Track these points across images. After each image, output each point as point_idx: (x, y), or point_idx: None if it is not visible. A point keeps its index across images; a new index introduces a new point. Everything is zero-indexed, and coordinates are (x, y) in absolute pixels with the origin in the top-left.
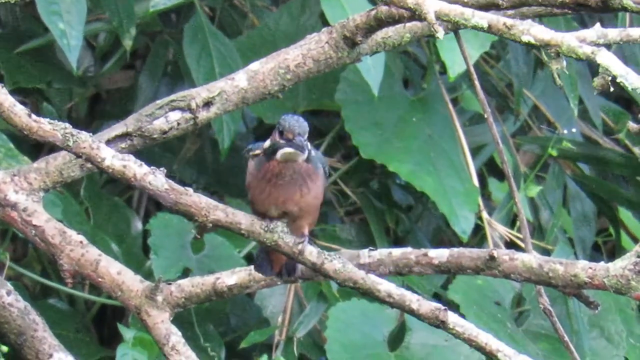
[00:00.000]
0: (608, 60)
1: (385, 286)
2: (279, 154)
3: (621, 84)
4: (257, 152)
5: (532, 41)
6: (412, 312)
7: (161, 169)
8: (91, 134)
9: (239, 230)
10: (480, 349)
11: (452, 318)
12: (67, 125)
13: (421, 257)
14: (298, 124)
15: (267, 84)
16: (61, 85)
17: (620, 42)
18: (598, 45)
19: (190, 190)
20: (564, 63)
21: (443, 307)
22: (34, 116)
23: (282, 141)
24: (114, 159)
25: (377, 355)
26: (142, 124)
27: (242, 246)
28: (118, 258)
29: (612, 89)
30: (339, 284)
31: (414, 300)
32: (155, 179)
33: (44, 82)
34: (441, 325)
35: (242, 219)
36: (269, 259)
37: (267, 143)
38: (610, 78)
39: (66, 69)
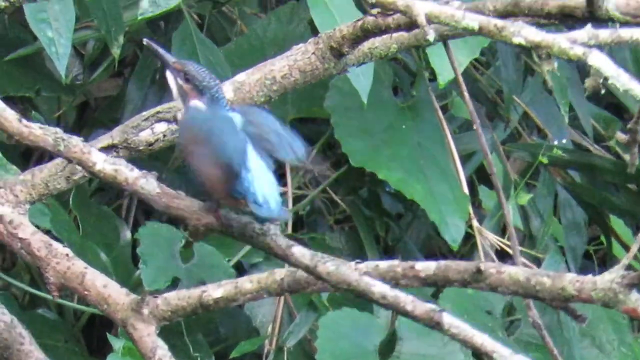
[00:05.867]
0: (600, 61)
1: (379, 287)
2: None
3: (612, 85)
4: None
5: (523, 42)
6: (406, 314)
7: (152, 172)
8: (82, 138)
9: (231, 233)
10: (475, 349)
11: (447, 319)
12: (58, 130)
13: (408, 270)
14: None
15: (254, 95)
16: (50, 94)
17: (612, 44)
18: (589, 46)
19: (182, 194)
20: (555, 64)
21: (438, 308)
22: (24, 121)
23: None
24: (105, 163)
25: None
26: (128, 136)
27: (231, 255)
28: (107, 267)
29: (602, 92)
30: (332, 286)
31: (408, 301)
32: (147, 183)
33: (33, 91)
34: (436, 326)
35: (234, 222)
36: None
37: None
38: (601, 79)
39: (55, 77)
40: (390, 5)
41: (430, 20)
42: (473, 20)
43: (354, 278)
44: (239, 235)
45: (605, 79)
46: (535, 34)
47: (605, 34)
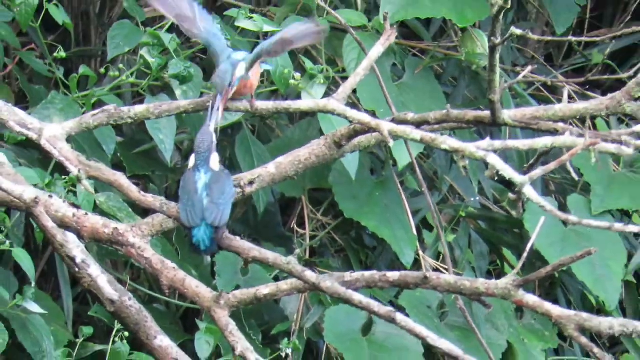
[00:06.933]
0: (494, 160)
1: (358, 296)
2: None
3: (501, 174)
4: None
5: (448, 148)
6: (374, 313)
7: None
8: (176, 204)
9: (267, 263)
10: (416, 335)
11: (399, 317)
12: (163, 198)
13: (382, 277)
14: None
15: (287, 170)
16: (160, 173)
17: (502, 150)
18: (488, 150)
19: (237, 238)
20: (467, 162)
21: (394, 310)
22: (142, 192)
23: None
24: None
25: (356, 339)
26: None
27: (272, 272)
28: (196, 279)
29: (496, 178)
30: (329, 295)
31: (375, 305)
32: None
33: (150, 171)
34: (392, 321)
35: (270, 255)
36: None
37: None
38: (496, 171)
39: (164, 163)
40: (366, 124)
41: (391, 133)
42: (417, 134)
43: (342, 291)
44: (273, 264)
45: (498, 171)
46: (455, 142)
47: (498, 144)
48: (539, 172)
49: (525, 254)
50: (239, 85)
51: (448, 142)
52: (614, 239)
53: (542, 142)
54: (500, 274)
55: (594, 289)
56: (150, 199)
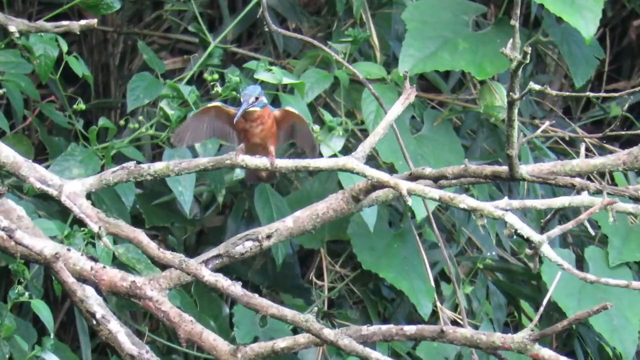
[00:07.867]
0: (512, 219)
1: (375, 354)
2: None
3: (520, 233)
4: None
5: (466, 207)
6: None
7: (239, 282)
8: (194, 260)
9: (285, 320)
10: None
11: None
12: (182, 255)
13: (399, 330)
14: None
15: (305, 224)
16: (180, 225)
17: (519, 209)
18: (506, 210)
19: (256, 295)
20: (485, 220)
21: None
22: (161, 249)
23: None
24: (210, 276)
25: None
26: (228, 249)
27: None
28: (215, 330)
29: (514, 236)
30: (346, 353)
31: None
32: (235, 288)
33: (169, 223)
34: None
35: (288, 313)
36: None
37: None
38: (514, 229)
39: (182, 215)
40: (385, 183)
41: (410, 192)
42: (435, 193)
43: (360, 349)
44: (291, 321)
45: (516, 229)
46: (473, 202)
47: (516, 203)
48: (556, 231)
49: (542, 306)
50: (263, 111)
51: (466, 201)
52: (630, 290)
53: (560, 202)
54: (517, 326)
55: (611, 340)
56: (169, 256)
